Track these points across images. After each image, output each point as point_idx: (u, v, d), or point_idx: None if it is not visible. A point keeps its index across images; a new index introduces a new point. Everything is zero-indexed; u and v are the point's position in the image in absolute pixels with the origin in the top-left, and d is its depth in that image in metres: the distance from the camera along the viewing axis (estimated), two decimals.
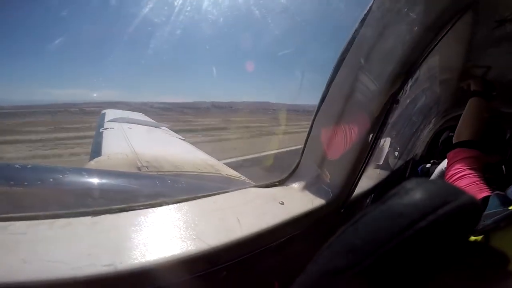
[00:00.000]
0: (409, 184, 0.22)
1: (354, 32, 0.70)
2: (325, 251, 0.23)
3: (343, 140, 0.76)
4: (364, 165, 0.78)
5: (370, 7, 0.67)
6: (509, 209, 0.57)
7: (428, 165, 2.03)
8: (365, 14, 0.68)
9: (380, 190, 1.24)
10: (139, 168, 1.39)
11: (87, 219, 0.39)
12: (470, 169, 0.82)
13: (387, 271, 0.20)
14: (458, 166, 0.86)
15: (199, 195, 0.56)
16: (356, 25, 0.69)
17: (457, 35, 0.91)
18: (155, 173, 1.33)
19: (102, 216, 0.40)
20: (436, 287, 0.22)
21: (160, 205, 0.46)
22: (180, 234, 0.40)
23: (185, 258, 0.37)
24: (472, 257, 0.29)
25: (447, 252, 0.21)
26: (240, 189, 0.68)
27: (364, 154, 0.76)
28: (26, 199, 0.44)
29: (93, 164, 1.44)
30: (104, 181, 0.57)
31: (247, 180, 1.27)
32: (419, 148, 2.57)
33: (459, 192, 0.20)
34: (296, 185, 0.74)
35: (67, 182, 0.51)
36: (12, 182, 0.46)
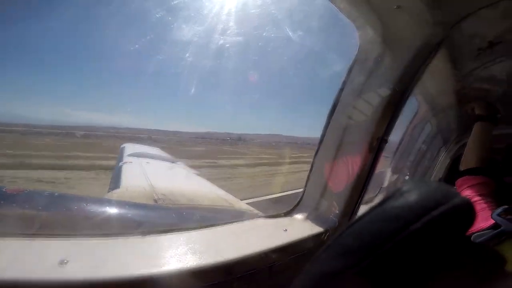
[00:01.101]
0: (405, 187, 0.23)
1: (343, 83, 0.89)
2: (324, 253, 0.24)
3: (341, 174, 0.91)
4: (362, 194, 0.92)
5: (355, 59, 0.86)
6: (495, 231, 0.63)
7: None
8: (350, 66, 0.87)
9: None
10: (155, 201, 1.56)
11: (138, 238, 0.56)
12: (479, 195, 0.84)
13: (384, 272, 0.21)
14: (467, 193, 0.89)
15: (218, 223, 0.73)
16: (344, 76, 0.89)
17: (447, 66, 1.04)
18: (172, 206, 1.49)
19: (148, 236, 0.57)
20: (436, 287, 0.23)
21: (189, 229, 0.64)
22: (204, 249, 0.57)
23: (207, 268, 0.53)
24: (471, 258, 0.30)
25: (443, 252, 0.22)
26: (251, 219, 0.84)
27: (360, 185, 0.90)
28: (92, 223, 0.62)
29: (112, 195, 1.63)
30: (146, 211, 0.76)
31: (257, 212, 1.41)
32: (438, 175, 2.61)
33: (452, 194, 0.22)
34: (299, 215, 0.88)
35: (116, 212, 0.71)
36: (75, 207, 0.66)
